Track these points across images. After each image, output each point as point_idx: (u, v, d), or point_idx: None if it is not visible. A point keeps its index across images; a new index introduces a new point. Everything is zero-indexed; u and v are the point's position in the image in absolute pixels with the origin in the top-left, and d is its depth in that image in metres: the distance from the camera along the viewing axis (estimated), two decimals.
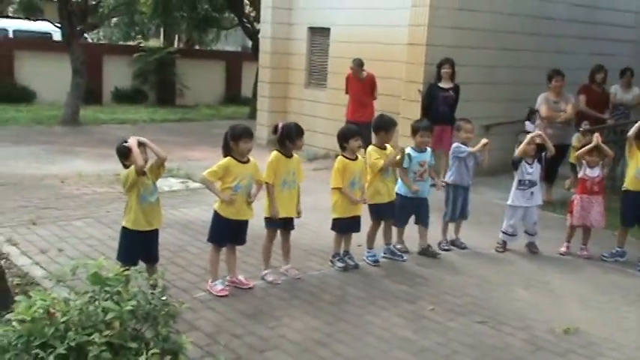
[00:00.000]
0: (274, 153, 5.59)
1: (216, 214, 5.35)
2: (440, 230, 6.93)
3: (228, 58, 22.35)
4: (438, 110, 9.66)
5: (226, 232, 5.34)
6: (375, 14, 10.97)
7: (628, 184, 6.67)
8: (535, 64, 11.14)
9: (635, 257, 6.63)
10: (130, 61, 19.51)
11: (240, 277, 5.47)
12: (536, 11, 11.10)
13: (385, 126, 6.27)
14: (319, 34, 12.28)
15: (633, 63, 11.95)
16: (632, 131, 6.62)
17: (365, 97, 10.57)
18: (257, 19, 18.12)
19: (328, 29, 12.00)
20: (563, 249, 6.91)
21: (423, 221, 6.62)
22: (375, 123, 6.41)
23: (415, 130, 6.54)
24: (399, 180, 6.46)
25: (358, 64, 10.45)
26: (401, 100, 10.31)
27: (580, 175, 6.89)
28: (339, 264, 6.07)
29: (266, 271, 5.68)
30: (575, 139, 9.44)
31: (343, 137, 6.02)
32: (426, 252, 6.59)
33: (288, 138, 5.59)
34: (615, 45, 12.41)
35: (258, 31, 18.11)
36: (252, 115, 17.37)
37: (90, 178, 9.29)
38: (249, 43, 23.85)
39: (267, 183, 5.49)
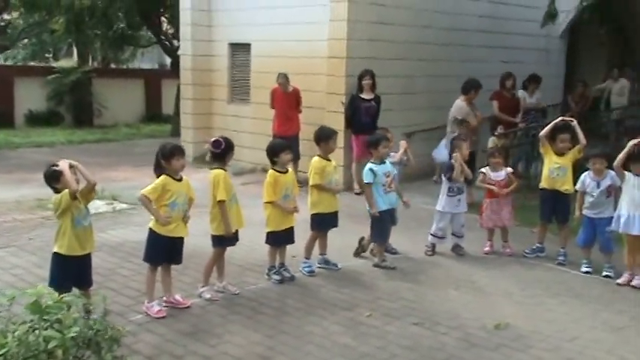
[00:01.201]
0: (219, 171, 5.57)
1: (152, 233, 5.31)
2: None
3: (147, 76, 22.02)
4: (361, 120, 9.91)
5: (163, 251, 5.31)
6: (294, 29, 11.11)
7: (543, 182, 7.03)
8: (449, 73, 11.60)
9: (553, 252, 6.98)
10: (43, 82, 18.90)
11: (177, 297, 5.44)
12: (448, 23, 11.56)
13: (326, 136, 6.43)
14: (240, 49, 12.32)
15: (539, 69, 12.65)
16: (542, 132, 7.01)
17: (291, 110, 10.68)
18: (175, 36, 17.97)
19: (249, 45, 12.06)
20: (486, 248, 7.21)
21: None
22: (316, 134, 6.52)
23: (376, 143, 6.60)
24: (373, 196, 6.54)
25: (285, 77, 10.56)
26: (325, 112, 10.48)
27: (486, 180, 7.17)
28: (276, 277, 6.13)
29: (203, 289, 5.66)
30: (490, 142, 9.89)
31: (273, 152, 6.10)
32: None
33: (231, 151, 5.65)
34: (522, 53, 13.07)
35: (177, 49, 17.98)
36: (175, 133, 17.17)
37: (8, 205, 8.96)
38: (167, 60, 23.57)
39: (220, 201, 5.49)
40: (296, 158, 10.37)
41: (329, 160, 6.45)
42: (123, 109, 20.09)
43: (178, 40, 17.78)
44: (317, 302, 5.63)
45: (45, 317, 3.09)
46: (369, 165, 6.62)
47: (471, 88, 9.58)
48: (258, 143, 11.01)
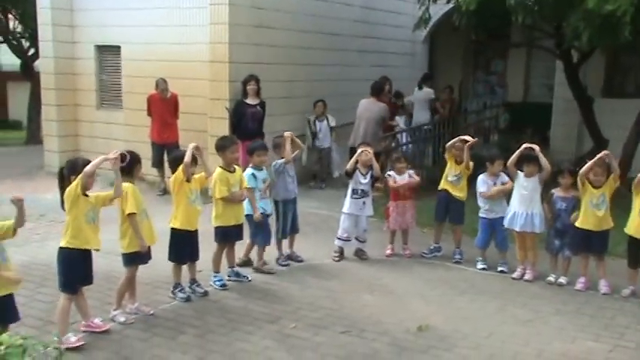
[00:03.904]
0: (127, 184, 5.26)
1: (66, 253, 4.85)
2: (275, 247, 7.00)
3: None
4: (247, 126, 9.78)
5: (81, 272, 4.90)
6: (170, 31, 10.70)
7: (442, 184, 7.32)
8: (325, 78, 11.80)
9: (449, 251, 7.33)
10: None
11: (97, 320, 5.07)
12: (325, 28, 11.72)
13: (222, 147, 6.28)
14: (109, 52, 11.64)
15: (406, 73, 13.26)
16: (448, 143, 7.32)
17: (169, 117, 10.34)
18: (24, 35, 16.65)
19: (118, 47, 11.44)
20: (388, 251, 7.40)
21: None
22: (217, 143, 6.37)
23: (252, 151, 6.60)
24: (248, 201, 6.44)
25: (165, 83, 10.19)
26: (207, 117, 10.22)
27: (391, 183, 7.39)
28: (181, 294, 5.87)
29: (116, 312, 5.31)
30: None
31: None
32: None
33: (138, 164, 5.39)
34: (391, 57, 13.60)
35: (27, 49, 16.71)
36: (31, 141, 16.00)
37: None
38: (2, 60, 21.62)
39: (130, 214, 5.19)
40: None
41: (232, 170, 6.29)
42: None
43: (28, 40, 16.57)
44: (238, 317, 5.48)
45: None
46: (250, 170, 6.59)
47: (381, 89, 10.29)
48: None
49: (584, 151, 11.32)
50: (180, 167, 5.71)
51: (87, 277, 4.99)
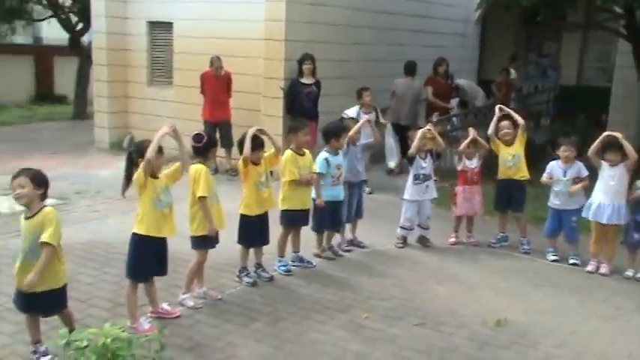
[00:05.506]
0: (200, 166, 5.14)
1: (138, 240, 4.69)
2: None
3: (38, 52, 20.18)
4: (303, 106, 9.59)
5: (152, 259, 4.74)
6: (223, 8, 10.53)
7: (500, 174, 7.04)
8: (377, 57, 11.52)
9: (513, 240, 7.07)
10: None
11: (165, 306, 4.96)
12: (379, 6, 11.43)
13: (294, 129, 6.15)
14: (161, 28, 11.52)
15: (456, 53, 12.88)
16: (489, 131, 6.99)
17: (223, 95, 10.20)
18: (73, 10, 16.62)
19: (171, 23, 11.31)
20: (452, 239, 7.17)
21: (337, 225, 6.58)
22: (289, 125, 6.35)
23: (336, 133, 6.34)
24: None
25: (220, 61, 10.05)
26: (261, 96, 10.05)
27: (460, 167, 7.14)
28: (247, 279, 5.74)
29: (184, 296, 5.20)
30: None
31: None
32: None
33: (213, 146, 5.30)
34: (442, 37, 13.24)
35: (76, 24, 16.69)
36: (78, 116, 16.07)
37: None
38: (44, 35, 21.58)
39: (201, 197, 5.04)
40: (229, 145, 9.91)
41: (301, 153, 6.11)
42: (8, 88, 18.39)
43: (77, 15, 16.55)
44: (308, 305, 5.32)
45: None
46: (325, 155, 6.33)
47: (415, 69, 10.37)
48: (183, 128, 10.25)
49: None
50: (241, 160, 5.55)
51: (161, 267, 4.83)
